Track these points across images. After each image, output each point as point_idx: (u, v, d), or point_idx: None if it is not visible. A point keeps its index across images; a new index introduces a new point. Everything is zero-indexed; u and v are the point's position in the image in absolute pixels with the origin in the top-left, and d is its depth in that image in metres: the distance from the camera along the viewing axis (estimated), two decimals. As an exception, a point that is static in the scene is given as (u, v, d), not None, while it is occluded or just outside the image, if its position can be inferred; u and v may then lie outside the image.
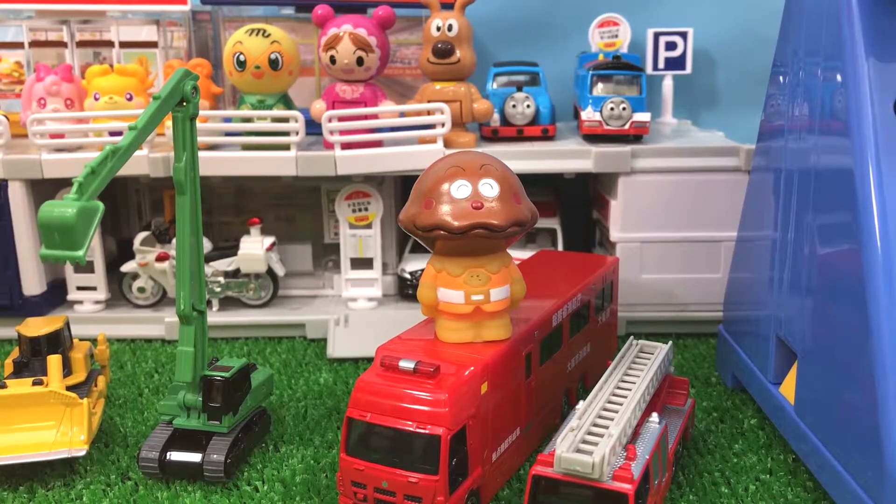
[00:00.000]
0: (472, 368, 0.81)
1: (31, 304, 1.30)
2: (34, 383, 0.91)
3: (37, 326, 0.99)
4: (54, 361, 0.93)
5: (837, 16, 0.80)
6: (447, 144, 1.27)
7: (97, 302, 1.35)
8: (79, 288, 1.35)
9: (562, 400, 1.02)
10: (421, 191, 0.83)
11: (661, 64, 1.53)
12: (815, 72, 0.85)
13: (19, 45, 1.45)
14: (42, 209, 0.67)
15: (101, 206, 0.69)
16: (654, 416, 0.84)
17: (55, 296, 1.35)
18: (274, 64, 1.24)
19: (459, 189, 0.81)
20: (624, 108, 1.26)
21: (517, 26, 1.61)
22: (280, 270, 1.35)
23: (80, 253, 0.67)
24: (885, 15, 0.78)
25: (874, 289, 0.72)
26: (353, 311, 1.33)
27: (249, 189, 1.44)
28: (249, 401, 0.95)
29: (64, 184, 1.28)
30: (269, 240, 1.33)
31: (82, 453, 0.88)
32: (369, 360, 1.20)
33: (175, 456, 0.89)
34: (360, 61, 1.25)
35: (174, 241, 1.10)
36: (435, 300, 0.85)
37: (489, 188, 0.81)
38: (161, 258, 1.32)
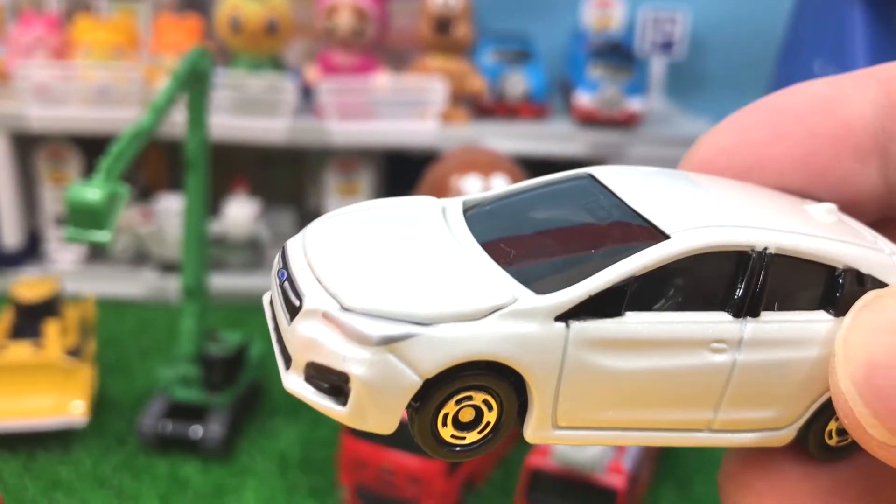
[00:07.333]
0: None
1: (9, 257, 1.28)
2: (31, 347, 0.91)
3: (32, 288, 0.98)
4: (53, 328, 0.93)
5: (840, 17, 0.83)
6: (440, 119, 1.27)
7: (75, 257, 1.33)
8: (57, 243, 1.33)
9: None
10: (431, 182, 0.85)
11: (652, 46, 1.54)
12: (815, 70, 0.88)
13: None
14: (70, 191, 0.67)
15: (127, 190, 0.69)
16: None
17: (33, 249, 1.33)
18: (271, 29, 1.23)
19: (470, 182, 0.83)
20: (618, 95, 1.27)
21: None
22: (265, 238, 1.34)
23: (107, 237, 0.67)
24: (886, 20, 0.81)
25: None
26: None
27: (229, 149, 1.40)
28: (247, 375, 0.96)
29: (50, 138, 1.26)
30: (256, 206, 1.32)
31: (83, 423, 0.89)
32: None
33: (174, 427, 0.91)
34: (357, 31, 1.24)
35: (157, 199, 1.08)
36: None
37: (502, 183, 0.83)
38: (143, 216, 1.30)
